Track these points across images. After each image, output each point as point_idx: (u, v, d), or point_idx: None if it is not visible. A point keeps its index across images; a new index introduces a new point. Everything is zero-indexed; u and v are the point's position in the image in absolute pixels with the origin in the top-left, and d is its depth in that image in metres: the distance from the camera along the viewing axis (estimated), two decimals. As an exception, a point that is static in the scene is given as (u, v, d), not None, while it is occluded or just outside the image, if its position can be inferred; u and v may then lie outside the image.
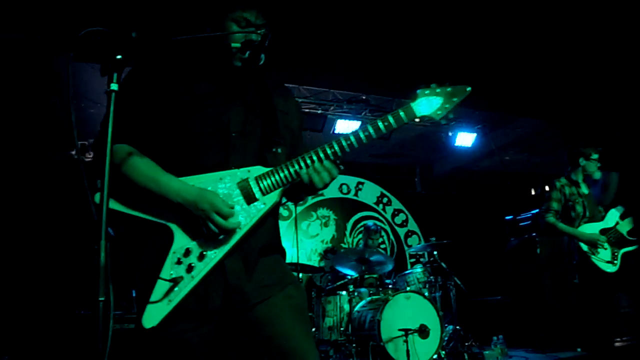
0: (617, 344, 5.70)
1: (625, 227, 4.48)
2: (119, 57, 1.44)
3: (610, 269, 4.30)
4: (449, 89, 1.85)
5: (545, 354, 6.02)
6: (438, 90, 1.85)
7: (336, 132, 7.19)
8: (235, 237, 1.69)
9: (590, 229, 4.46)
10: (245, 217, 1.71)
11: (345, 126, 7.22)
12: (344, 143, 1.75)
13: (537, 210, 7.51)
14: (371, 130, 1.76)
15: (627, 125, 8.10)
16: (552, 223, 4.51)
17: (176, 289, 1.61)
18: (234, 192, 1.72)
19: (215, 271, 1.67)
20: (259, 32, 1.79)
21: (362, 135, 1.76)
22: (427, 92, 1.84)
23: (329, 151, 1.75)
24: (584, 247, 4.37)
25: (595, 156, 4.63)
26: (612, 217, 4.56)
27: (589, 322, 4.57)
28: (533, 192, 9.98)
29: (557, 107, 7.57)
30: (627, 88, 7.07)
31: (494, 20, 5.48)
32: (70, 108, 1.47)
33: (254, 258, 1.75)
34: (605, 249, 4.36)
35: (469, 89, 1.85)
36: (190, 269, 1.63)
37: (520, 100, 7.37)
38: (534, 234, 7.12)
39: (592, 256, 4.31)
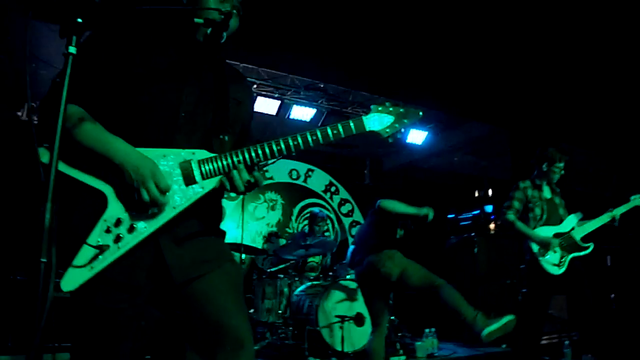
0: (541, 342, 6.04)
1: (579, 233, 4.63)
2: (79, 20, 1.42)
3: (555, 271, 4.47)
4: (401, 110, 1.93)
5: (473, 347, 6.27)
6: (391, 109, 1.93)
7: (291, 117, 7.22)
8: (168, 215, 1.69)
9: (546, 231, 4.61)
10: (181, 197, 1.71)
11: (301, 112, 7.26)
12: (290, 143, 1.78)
13: (477, 212, 7.78)
14: (319, 136, 1.83)
15: (573, 137, 8.47)
16: (511, 221, 4.62)
17: (100, 257, 1.60)
18: (174, 171, 1.71)
19: (144, 247, 1.67)
20: (232, 10, 1.79)
21: (309, 139, 1.81)
22: (380, 108, 1.92)
23: (275, 148, 1.77)
24: (534, 249, 4.53)
25: (560, 164, 4.77)
26: (569, 222, 4.72)
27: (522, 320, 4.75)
28: (477, 194, 10.29)
29: (506, 114, 7.84)
30: (574, 100, 7.38)
31: (454, 25, 5.61)
32: (25, 67, 1.45)
33: (190, 237, 1.76)
34: (555, 252, 4.52)
35: (420, 113, 1.94)
36: (118, 239, 1.62)
37: (472, 104, 7.59)
38: (472, 234, 7.37)
39: (540, 257, 4.49)
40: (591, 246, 4.61)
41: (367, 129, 1.91)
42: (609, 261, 8.24)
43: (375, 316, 4.44)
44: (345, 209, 9.36)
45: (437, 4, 5.30)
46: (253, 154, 1.75)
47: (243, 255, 5.74)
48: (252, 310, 6.09)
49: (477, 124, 8.46)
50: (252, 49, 6.11)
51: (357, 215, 9.42)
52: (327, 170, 9.29)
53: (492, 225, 7.75)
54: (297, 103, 7.24)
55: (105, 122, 1.71)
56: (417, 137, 8.25)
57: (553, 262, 4.50)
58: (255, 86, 6.93)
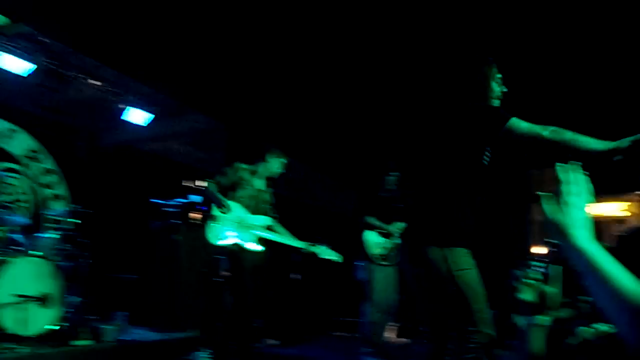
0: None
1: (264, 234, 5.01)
2: None
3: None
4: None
5: (163, 332, 6.40)
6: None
7: (-1, 66, 6.37)
8: None
9: (239, 212, 4.88)
10: None
11: (14, 64, 6.42)
12: None
13: (184, 200, 7.97)
14: None
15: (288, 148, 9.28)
16: (211, 190, 4.83)
17: None
18: None
19: None
20: None
21: None
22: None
23: None
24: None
25: (276, 164, 5.10)
26: (263, 220, 5.05)
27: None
28: (188, 184, 10.49)
29: (228, 112, 8.23)
30: (293, 115, 8.13)
31: (189, 17, 5.68)
32: None
33: None
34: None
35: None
36: None
37: (198, 95, 7.76)
38: (178, 221, 7.51)
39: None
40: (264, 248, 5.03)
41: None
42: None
43: None
44: (47, 179, 8.57)
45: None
46: None
47: None
48: None
49: (201, 117, 8.68)
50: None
51: (61, 189, 8.71)
52: (35, 134, 8.36)
53: (196, 215, 7.99)
54: (10, 52, 6.40)
55: None
56: (138, 117, 8.09)
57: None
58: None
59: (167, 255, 7.26)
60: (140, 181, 9.55)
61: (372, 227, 5.94)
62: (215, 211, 4.81)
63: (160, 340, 5.99)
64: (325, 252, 5.18)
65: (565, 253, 1.30)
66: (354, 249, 6.25)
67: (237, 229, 4.86)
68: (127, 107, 7.93)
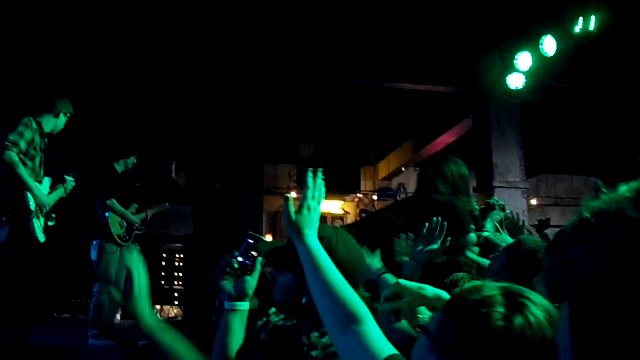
0: None
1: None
2: None
3: (42, 238, 4.18)
4: None
5: None
6: None
7: None
8: None
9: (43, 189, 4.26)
10: None
11: None
12: None
13: None
14: None
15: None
16: (14, 161, 3.88)
17: None
18: None
19: None
20: None
21: None
22: None
23: None
24: (33, 205, 4.09)
25: (69, 113, 4.46)
26: (46, 185, 4.38)
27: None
28: None
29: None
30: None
31: None
32: None
33: None
34: (42, 217, 4.24)
35: None
36: None
37: None
38: None
39: (35, 219, 4.11)
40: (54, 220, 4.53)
41: None
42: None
43: None
44: None
45: None
46: None
47: None
48: None
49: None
50: None
51: None
52: None
53: None
54: None
55: None
56: None
57: (41, 227, 4.25)
58: None
59: None
60: None
61: (110, 209, 5.71)
62: (33, 205, 4.07)
63: None
64: (70, 183, 4.70)
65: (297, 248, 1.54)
66: (89, 228, 6.01)
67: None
68: None
